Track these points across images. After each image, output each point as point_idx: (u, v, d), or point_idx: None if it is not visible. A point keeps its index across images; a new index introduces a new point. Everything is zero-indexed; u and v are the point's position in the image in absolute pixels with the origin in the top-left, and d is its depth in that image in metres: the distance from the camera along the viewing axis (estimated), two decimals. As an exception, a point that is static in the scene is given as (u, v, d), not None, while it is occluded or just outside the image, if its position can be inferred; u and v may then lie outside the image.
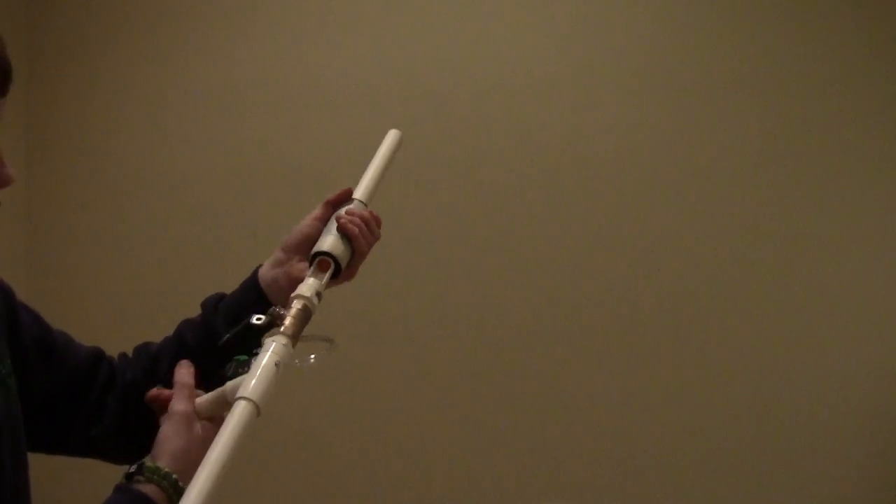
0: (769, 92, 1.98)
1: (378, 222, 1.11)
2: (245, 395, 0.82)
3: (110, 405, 1.03)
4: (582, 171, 2.07)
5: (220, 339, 1.01)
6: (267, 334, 0.92)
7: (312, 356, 0.96)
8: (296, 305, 0.97)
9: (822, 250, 1.95)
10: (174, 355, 1.03)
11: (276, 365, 0.87)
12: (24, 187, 2.45)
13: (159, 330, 1.12)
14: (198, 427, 0.92)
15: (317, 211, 1.11)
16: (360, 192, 1.13)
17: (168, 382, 0.97)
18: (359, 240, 1.07)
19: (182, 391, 0.94)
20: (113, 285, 2.34)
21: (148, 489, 0.86)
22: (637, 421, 2.01)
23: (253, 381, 0.83)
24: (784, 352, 1.95)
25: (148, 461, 0.88)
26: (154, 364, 1.06)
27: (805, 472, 1.93)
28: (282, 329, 0.92)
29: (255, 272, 1.10)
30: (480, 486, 2.08)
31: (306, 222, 1.11)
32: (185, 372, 0.97)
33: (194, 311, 1.10)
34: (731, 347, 1.98)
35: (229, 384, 0.91)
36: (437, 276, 2.13)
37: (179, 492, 0.86)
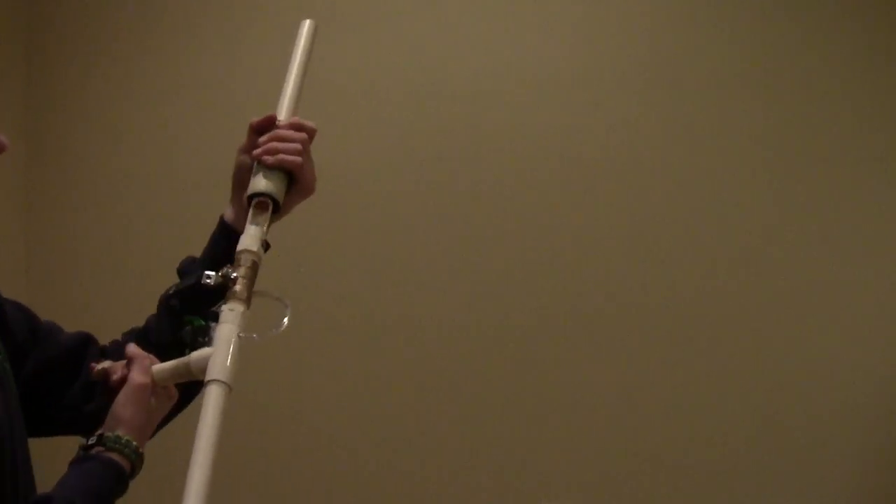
0: (772, 91, 1.98)
1: (299, 126, 1.07)
2: (216, 377, 0.83)
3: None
4: (583, 171, 2.06)
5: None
6: (222, 303, 0.92)
7: (273, 329, 0.93)
8: (244, 263, 0.95)
9: (823, 250, 1.95)
10: (162, 324, 1.05)
11: (238, 336, 0.87)
12: (24, 187, 2.45)
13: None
14: (152, 399, 0.93)
15: (244, 142, 1.09)
16: (281, 114, 1.11)
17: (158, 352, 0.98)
18: (284, 161, 1.04)
19: (142, 362, 0.94)
20: (113, 285, 2.34)
21: (113, 456, 0.87)
22: (637, 421, 2.01)
23: (220, 361, 0.84)
24: (785, 352, 1.95)
25: (107, 432, 0.89)
26: (145, 335, 1.07)
27: (806, 472, 1.93)
28: (236, 294, 0.91)
29: (221, 220, 1.10)
30: (480, 486, 2.08)
31: (239, 158, 1.10)
32: (135, 347, 0.97)
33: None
34: (732, 347, 1.97)
35: (193, 356, 0.90)
36: (438, 275, 2.13)
37: (141, 458, 0.89)
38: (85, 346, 1.07)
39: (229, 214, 1.10)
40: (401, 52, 2.18)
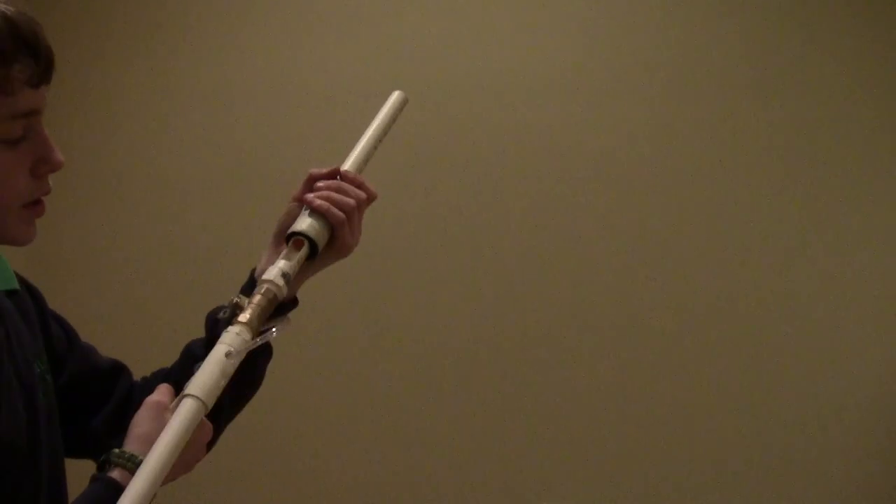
0: (773, 90, 1.98)
1: (357, 183, 1.04)
2: (190, 392, 0.84)
3: (130, 418, 1.03)
4: (583, 171, 2.06)
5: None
6: (227, 328, 0.92)
7: (273, 331, 0.94)
8: (258, 291, 0.95)
9: (823, 248, 1.95)
10: (186, 371, 1.04)
11: (226, 356, 0.87)
12: (24, 187, 2.44)
13: (160, 327, 1.12)
14: (168, 416, 0.92)
15: (297, 190, 1.05)
16: (347, 164, 1.07)
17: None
18: (330, 212, 1.00)
19: (161, 388, 0.95)
20: (113, 284, 2.34)
21: (115, 473, 0.87)
22: (637, 421, 2.01)
23: (200, 378, 0.85)
24: (786, 351, 1.95)
25: (116, 449, 0.90)
26: (167, 380, 1.05)
27: (806, 472, 1.93)
28: (241, 317, 0.92)
29: (251, 275, 1.07)
30: (480, 486, 2.08)
31: (288, 206, 1.06)
32: (162, 385, 0.97)
33: (193, 310, 1.10)
34: (732, 347, 1.98)
35: (190, 381, 0.91)
36: (437, 275, 2.13)
37: None
38: (119, 374, 1.07)
39: (261, 265, 1.06)
40: (401, 52, 2.18)
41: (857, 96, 1.95)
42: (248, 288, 1.06)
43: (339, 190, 1.02)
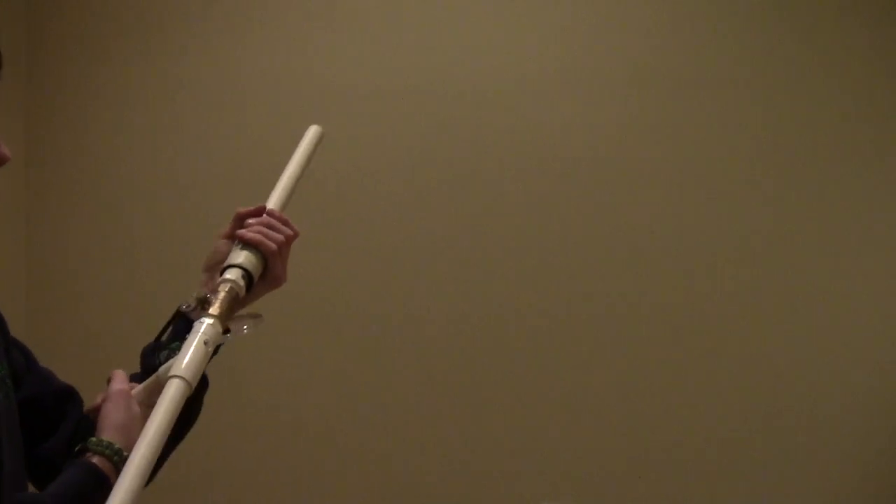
0: (771, 91, 1.98)
1: (283, 221, 1.12)
2: (177, 373, 0.86)
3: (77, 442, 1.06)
4: (584, 171, 2.07)
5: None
6: (200, 315, 0.96)
7: (244, 327, 1.00)
8: (222, 288, 1.01)
9: (823, 248, 1.95)
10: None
11: (204, 343, 0.91)
12: (24, 187, 2.45)
13: (157, 330, 1.12)
14: (135, 405, 0.97)
15: (226, 228, 1.13)
16: (272, 202, 1.15)
17: None
18: (263, 244, 1.08)
19: (118, 376, 0.99)
20: (112, 285, 2.34)
21: (95, 460, 0.89)
22: (637, 421, 2.01)
23: (183, 360, 0.88)
24: (786, 351, 1.95)
25: (92, 438, 0.92)
26: None
27: (806, 472, 1.93)
28: (209, 309, 0.97)
29: (178, 312, 1.11)
30: (480, 486, 2.08)
31: (216, 243, 1.13)
32: (118, 372, 1.02)
33: None
34: (732, 347, 1.98)
35: (162, 369, 0.95)
36: (437, 275, 2.13)
37: (124, 460, 0.89)
38: (69, 400, 1.09)
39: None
40: (401, 52, 2.18)
41: (857, 96, 1.95)
42: (181, 322, 1.09)
43: (268, 226, 1.10)
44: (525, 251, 2.09)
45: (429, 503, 2.11)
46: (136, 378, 1.08)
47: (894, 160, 1.94)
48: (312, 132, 1.31)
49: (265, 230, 1.09)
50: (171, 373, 0.86)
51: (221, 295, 1.00)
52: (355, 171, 2.19)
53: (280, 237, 1.10)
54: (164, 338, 1.09)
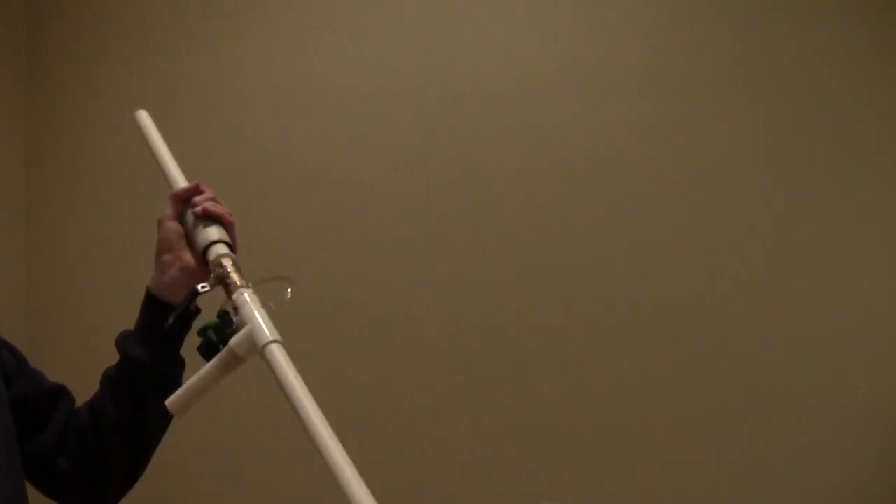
0: (773, 91, 1.98)
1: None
2: (270, 339, 0.88)
3: (71, 439, 1.07)
4: (584, 171, 2.07)
5: (146, 359, 1.07)
6: (232, 295, 0.96)
7: (288, 292, 1.01)
8: (227, 264, 1.01)
9: (823, 248, 1.95)
10: (108, 396, 1.09)
11: (270, 306, 0.94)
12: (24, 187, 2.45)
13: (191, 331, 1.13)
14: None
15: (169, 210, 1.14)
16: (181, 182, 1.16)
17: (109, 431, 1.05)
18: (225, 215, 1.10)
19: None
20: (112, 285, 2.34)
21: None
22: (638, 421, 2.01)
23: (264, 327, 0.90)
24: (786, 351, 1.95)
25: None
26: (94, 418, 1.09)
27: (806, 473, 1.93)
28: (236, 283, 0.97)
29: (147, 294, 1.13)
30: (481, 486, 2.08)
31: (167, 225, 1.14)
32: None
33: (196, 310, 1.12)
34: (732, 348, 1.98)
35: (233, 342, 0.93)
36: (438, 275, 2.13)
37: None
38: (59, 397, 1.11)
39: (158, 284, 1.13)
40: (400, 52, 2.18)
41: (858, 96, 1.95)
42: (150, 304, 1.12)
43: (215, 199, 1.12)
44: (525, 251, 2.09)
45: (429, 503, 2.11)
46: (112, 371, 1.09)
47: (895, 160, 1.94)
48: (143, 116, 1.35)
49: (219, 204, 1.11)
50: (267, 339, 0.88)
51: (232, 269, 1.00)
52: (355, 170, 2.19)
53: (228, 208, 1.11)
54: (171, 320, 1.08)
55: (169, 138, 2.50)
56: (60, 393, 1.11)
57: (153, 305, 1.11)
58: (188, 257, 1.10)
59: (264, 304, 0.94)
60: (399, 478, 2.13)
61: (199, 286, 1.00)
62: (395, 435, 2.14)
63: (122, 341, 1.11)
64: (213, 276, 1.00)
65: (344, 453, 0.80)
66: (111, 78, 2.40)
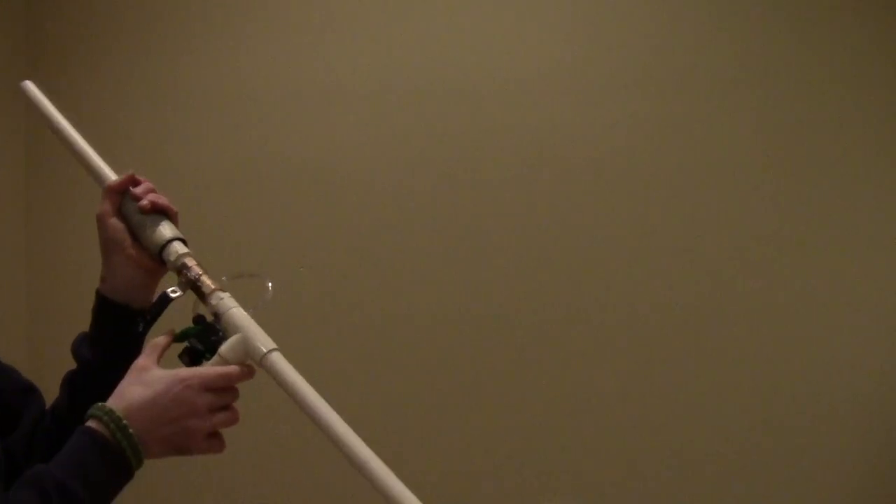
0: (773, 90, 1.98)
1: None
2: (269, 347, 0.91)
3: (39, 445, 1.04)
4: (584, 171, 2.06)
5: (99, 361, 1.03)
6: (209, 299, 0.95)
7: (269, 292, 1.00)
8: (192, 264, 1.00)
9: (824, 248, 1.95)
10: (66, 402, 1.05)
11: (253, 310, 0.94)
12: (24, 187, 2.45)
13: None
14: (149, 374, 0.92)
15: (106, 206, 1.07)
16: (110, 175, 1.12)
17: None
18: (170, 208, 1.07)
19: (146, 349, 0.96)
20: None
21: (92, 424, 0.88)
22: (638, 421, 2.01)
23: (259, 336, 0.91)
24: (786, 352, 1.95)
25: (96, 403, 0.90)
26: (57, 424, 1.05)
27: (807, 473, 1.93)
28: (213, 287, 0.96)
29: (99, 297, 1.06)
30: (480, 486, 2.08)
31: (109, 222, 1.06)
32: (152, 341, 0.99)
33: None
34: (733, 348, 1.97)
35: (223, 350, 0.92)
36: (437, 274, 2.13)
37: (118, 424, 0.87)
38: (31, 393, 1.07)
39: (111, 287, 1.06)
40: (400, 52, 2.18)
41: (857, 95, 1.95)
42: (102, 307, 1.05)
43: (155, 190, 1.07)
44: (525, 250, 2.09)
45: (429, 503, 2.11)
46: (70, 375, 1.06)
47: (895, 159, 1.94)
48: (30, 86, 1.25)
49: (160, 195, 1.06)
50: (265, 349, 0.90)
51: (200, 271, 0.98)
52: (355, 170, 2.18)
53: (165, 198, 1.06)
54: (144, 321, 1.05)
55: (169, 138, 2.51)
56: (31, 391, 1.07)
57: (107, 308, 1.05)
58: (141, 256, 1.03)
59: (246, 307, 0.93)
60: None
61: (169, 291, 0.98)
62: (394, 434, 2.14)
63: (79, 346, 1.07)
64: (181, 279, 0.98)
65: (374, 455, 0.83)
66: (111, 78, 2.40)
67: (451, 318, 2.12)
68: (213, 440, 0.95)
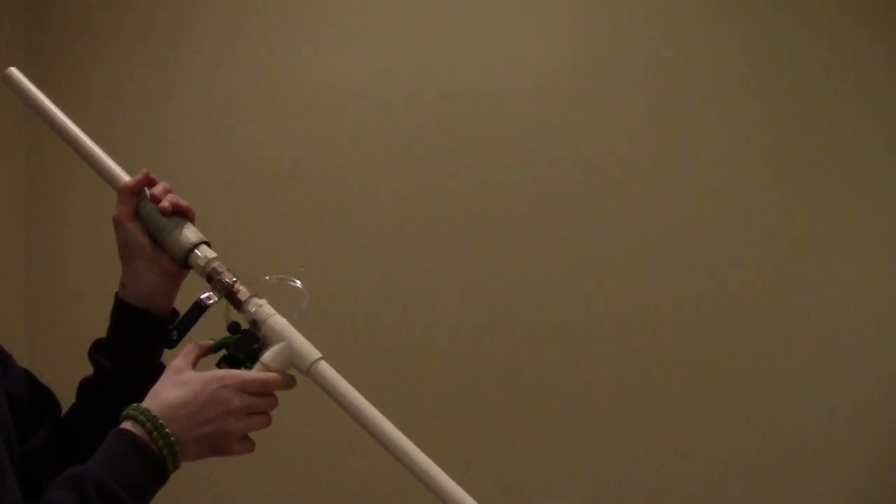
0: (773, 91, 1.98)
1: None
2: (315, 357, 0.93)
3: (54, 454, 1.01)
4: (584, 171, 2.07)
5: (118, 373, 1.00)
6: (246, 307, 0.94)
7: (305, 300, 1.01)
8: (222, 269, 0.97)
9: (825, 249, 1.95)
10: (84, 409, 1.04)
11: (295, 318, 0.95)
12: (24, 188, 2.45)
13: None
14: (186, 374, 0.92)
15: (124, 209, 1.06)
16: (122, 175, 1.09)
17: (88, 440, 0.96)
18: (190, 209, 1.05)
19: (184, 351, 0.95)
20: (112, 285, 2.33)
21: (128, 425, 0.87)
22: (638, 421, 2.01)
23: (304, 344, 0.93)
24: (786, 352, 1.95)
25: (132, 404, 0.89)
26: (73, 431, 1.03)
27: (807, 474, 1.93)
28: (249, 295, 0.95)
29: (119, 303, 1.05)
30: (481, 486, 2.08)
31: (127, 226, 1.06)
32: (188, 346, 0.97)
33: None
34: (733, 348, 1.98)
35: (266, 358, 0.93)
36: (438, 275, 2.13)
37: (155, 423, 0.86)
38: (47, 399, 1.05)
39: (130, 292, 1.05)
40: (400, 52, 2.18)
41: (857, 95, 1.95)
42: (122, 313, 1.05)
43: (171, 190, 1.05)
44: (525, 250, 2.09)
45: (428, 503, 2.11)
46: (87, 382, 1.03)
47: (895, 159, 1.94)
48: (14, 73, 1.19)
49: (179, 197, 1.03)
50: (311, 359, 0.91)
51: (233, 277, 0.96)
52: (355, 170, 2.18)
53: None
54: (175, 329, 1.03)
55: (169, 138, 2.52)
56: (48, 395, 1.05)
57: (127, 314, 1.04)
58: (166, 261, 1.01)
59: (282, 313, 0.93)
60: (398, 477, 2.12)
61: (204, 297, 0.96)
62: (395, 435, 2.13)
63: (96, 352, 1.04)
64: (214, 285, 0.96)
65: (433, 463, 0.84)
66: (111, 78, 2.40)
67: (450, 317, 2.12)
68: (246, 442, 0.95)
